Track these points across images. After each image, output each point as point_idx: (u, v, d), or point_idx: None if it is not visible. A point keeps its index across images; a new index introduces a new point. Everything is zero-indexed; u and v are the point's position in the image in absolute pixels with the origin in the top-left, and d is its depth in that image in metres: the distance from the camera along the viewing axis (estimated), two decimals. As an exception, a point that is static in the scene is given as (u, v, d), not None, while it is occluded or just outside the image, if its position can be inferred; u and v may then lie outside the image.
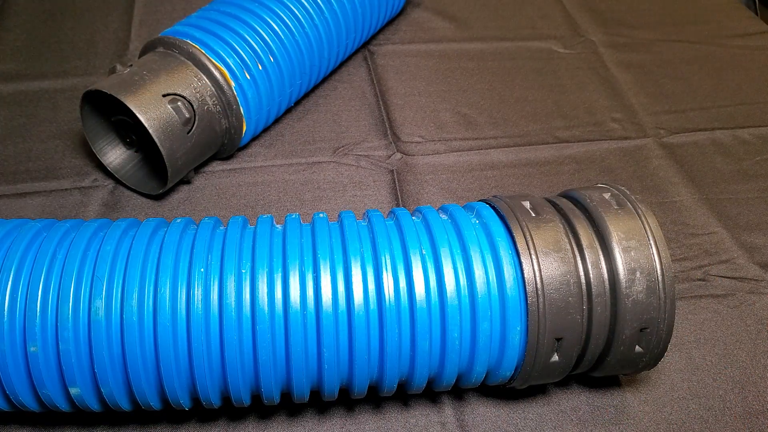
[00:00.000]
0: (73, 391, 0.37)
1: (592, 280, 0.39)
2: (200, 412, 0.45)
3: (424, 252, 0.39)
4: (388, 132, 0.68)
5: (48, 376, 0.37)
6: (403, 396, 0.47)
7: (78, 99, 0.55)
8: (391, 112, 0.71)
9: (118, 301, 0.36)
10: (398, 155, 0.66)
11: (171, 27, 0.60)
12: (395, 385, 0.41)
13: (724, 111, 0.74)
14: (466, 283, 0.39)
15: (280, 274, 0.38)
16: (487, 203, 0.44)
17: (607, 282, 0.39)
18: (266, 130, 0.67)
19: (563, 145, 0.68)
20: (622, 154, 0.67)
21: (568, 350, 0.39)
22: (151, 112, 0.52)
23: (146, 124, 0.51)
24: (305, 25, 0.63)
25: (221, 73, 0.57)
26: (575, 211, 0.42)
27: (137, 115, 0.51)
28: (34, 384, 0.37)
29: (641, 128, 0.71)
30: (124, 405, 0.39)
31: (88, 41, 0.77)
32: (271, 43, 0.60)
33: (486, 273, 0.39)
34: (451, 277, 0.38)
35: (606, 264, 0.39)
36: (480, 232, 0.41)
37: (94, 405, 0.39)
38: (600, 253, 0.40)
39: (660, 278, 0.39)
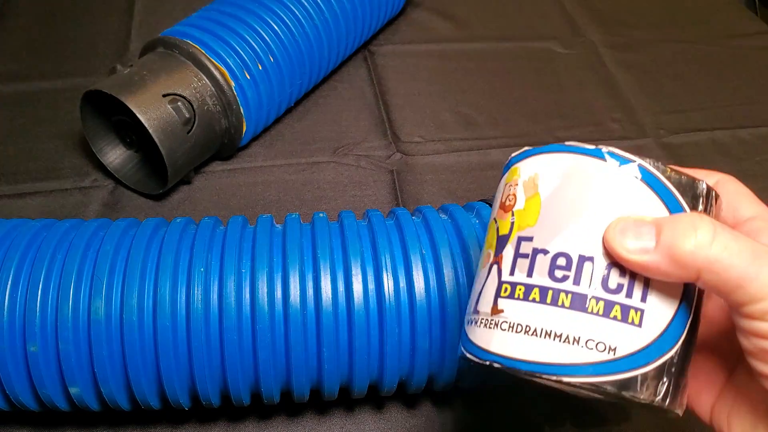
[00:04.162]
0: (73, 390, 0.37)
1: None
2: (200, 412, 0.45)
3: (424, 252, 0.39)
4: (388, 132, 0.68)
5: (48, 375, 0.37)
6: (403, 396, 0.47)
7: (78, 99, 0.55)
8: (391, 112, 0.71)
9: (118, 300, 0.36)
10: (398, 155, 0.66)
11: (171, 27, 0.60)
12: (395, 385, 0.41)
13: (724, 111, 0.74)
14: (466, 282, 0.39)
15: (280, 274, 0.38)
16: (487, 203, 0.44)
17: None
18: (266, 130, 0.67)
19: (563, 145, 0.68)
20: (622, 154, 0.67)
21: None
22: (151, 112, 0.52)
23: (146, 124, 0.51)
24: (305, 25, 0.63)
25: (221, 73, 0.57)
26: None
27: (137, 115, 0.51)
28: (34, 384, 0.37)
29: (641, 128, 0.71)
30: (124, 405, 0.39)
31: (88, 41, 0.77)
32: (271, 43, 0.60)
33: (486, 273, 0.39)
34: (452, 277, 0.38)
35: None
36: (480, 232, 0.41)
37: (93, 405, 0.39)
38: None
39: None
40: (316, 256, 0.39)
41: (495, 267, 0.27)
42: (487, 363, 0.25)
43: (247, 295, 0.37)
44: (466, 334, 0.28)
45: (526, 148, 0.28)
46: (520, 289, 0.25)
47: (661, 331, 0.25)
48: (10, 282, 0.36)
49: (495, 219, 0.28)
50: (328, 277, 0.38)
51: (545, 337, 0.24)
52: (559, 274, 0.25)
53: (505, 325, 0.25)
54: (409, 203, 0.61)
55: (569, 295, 0.24)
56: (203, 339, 0.36)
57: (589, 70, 0.78)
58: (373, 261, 0.39)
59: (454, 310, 0.38)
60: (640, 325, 0.25)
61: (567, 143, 0.27)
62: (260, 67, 0.59)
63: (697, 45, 0.83)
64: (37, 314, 0.36)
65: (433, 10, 0.86)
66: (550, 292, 0.25)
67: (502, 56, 0.79)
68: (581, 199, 0.25)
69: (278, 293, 0.37)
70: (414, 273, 0.38)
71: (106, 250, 0.38)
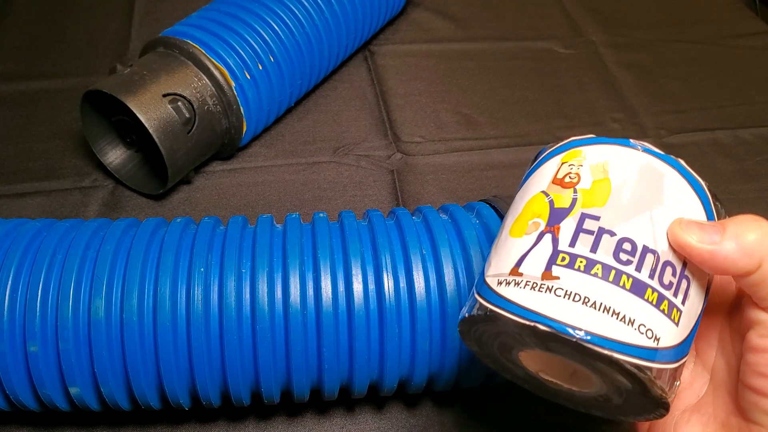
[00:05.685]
0: (72, 390, 0.37)
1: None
2: (200, 412, 0.45)
3: (424, 252, 0.39)
4: (389, 132, 0.68)
5: (48, 375, 0.37)
6: (403, 396, 0.47)
7: (78, 99, 0.55)
8: (391, 112, 0.71)
9: (118, 300, 0.36)
10: (398, 155, 0.66)
11: (171, 27, 0.60)
12: (395, 385, 0.41)
13: (724, 111, 0.74)
14: (466, 282, 0.39)
15: (280, 274, 0.38)
16: (487, 203, 0.44)
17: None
18: (266, 130, 0.67)
19: (563, 145, 0.68)
20: (623, 154, 0.67)
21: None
22: (151, 112, 0.52)
23: (146, 124, 0.51)
24: (305, 25, 0.63)
25: (221, 73, 0.57)
26: (575, 210, 0.42)
27: (137, 115, 0.51)
28: (34, 384, 0.37)
29: (641, 128, 0.71)
30: (124, 405, 0.39)
31: (88, 41, 0.77)
32: (271, 43, 0.60)
33: (486, 273, 0.39)
34: (452, 277, 0.38)
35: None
36: (480, 232, 0.41)
37: (93, 405, 0.39)
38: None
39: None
40: (317, 256, 0.39)
41: (549, 236, 0.28)
42: (531, 324, 0.26)
43: (247, 295, 0.37)
44: (498, 293, 0.28)
45: (589, 135, 0.32)
46: (581, 261, 0.27)
47: (686, 335, 0.27)
48: (10, 282, 0.36)
49: (545, 192, 0.30)
50: (329, 277, 0.38)
51: (603, 311, 0.26)
52: (623, 257, 0.27)
53: (560, 292, 0.26)
54: (409, 203, 0.61)
55: (630, 279, 0.26)
56: (203, 339, 0.36)
57: (590, 70, 0.78)
58: (373, 261, 0.39)
59: (455, 310, 0.38)
60: (677, 324, 0.27)
61: (641, 142, 0.31)
62: (260, 67, 0.59)
63: (697, 45, 0.83)
64: (37, 314, 0.36)
65: (433, 10, 0.86)
66: (613, 272, 0.26)
67: (502, 56, 0.79)
68: (652, 196, 0.28)
69: (278, 293, 0.37)
70: (414, 273, 0.38)
71: (106, 250, 0.38)
